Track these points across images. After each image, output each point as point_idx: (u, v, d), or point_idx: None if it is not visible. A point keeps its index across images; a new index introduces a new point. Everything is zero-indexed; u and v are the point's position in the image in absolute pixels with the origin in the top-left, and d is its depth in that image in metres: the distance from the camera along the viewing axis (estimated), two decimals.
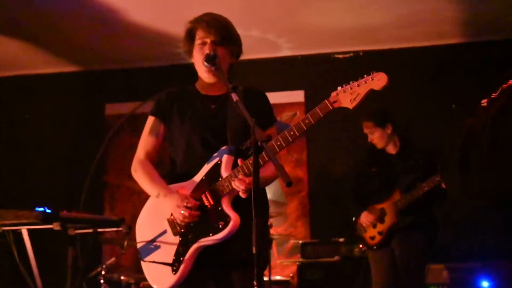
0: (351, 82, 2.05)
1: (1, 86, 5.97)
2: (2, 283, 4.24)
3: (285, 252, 5.26)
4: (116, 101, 5.75)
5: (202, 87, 2.35)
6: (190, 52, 2.33)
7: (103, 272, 4.01)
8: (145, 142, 2.36)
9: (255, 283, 1.78)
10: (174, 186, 2.27)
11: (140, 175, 2.31)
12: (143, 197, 2.37)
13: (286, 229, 5.29)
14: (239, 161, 2.13)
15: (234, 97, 1.99)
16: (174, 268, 2.19)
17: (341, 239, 4.61)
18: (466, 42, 5.31)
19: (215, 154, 2.21)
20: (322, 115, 2.04)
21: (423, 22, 4.98)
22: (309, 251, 4.70)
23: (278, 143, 2.06)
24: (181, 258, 2.18)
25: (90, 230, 3.30)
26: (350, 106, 2.03)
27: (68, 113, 5.83)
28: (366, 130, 3.98)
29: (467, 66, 5.19)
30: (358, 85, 2.03)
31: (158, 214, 2.27)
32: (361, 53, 5.47)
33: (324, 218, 5.22)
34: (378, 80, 2.00)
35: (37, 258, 3.23)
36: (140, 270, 2.33)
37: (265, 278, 4.20)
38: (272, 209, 4.41)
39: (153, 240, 2.26)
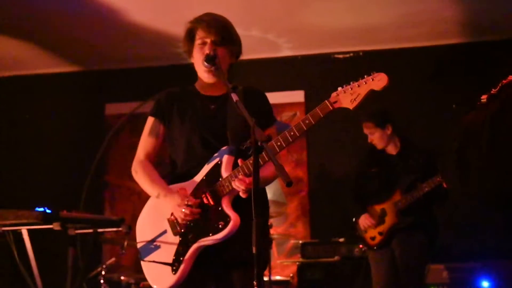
0: (351, 83, 2.05)
1: (1, 86, 5.98)
2: (2, 283, 4.23)
3: (285, 252, 5.26)
4: (116, 101, 5.76)
5: (201, 87, 2.35)
6: (190, 52, 2.33)
7: (103, 272, 4.01)
8: (145, 143, 2.36)
9: (255, 283, 1.78)
10: (174, 186, 2.27)
11: (141, 176, 2.32)
12: (143, 197, 2.37)
13: (286, 229, 5.29)
14: (239, 161, 2.13)
15: (234, 97, 1.99)
16: (174, 268, 2.19)
17: (341, 239, 4.61)
18: (466, 42, 5.31)
19: (216, 155, 2.22)
20: (322, 116, 2.04)
21: (424, 22, 4.98)
22: (309, 251, 4.70)
23: (278, 143, 2.07)
24: (181, 258, 2.18)
25: (90, 230, 3.30)
26: (351, 106, 2.04)
27: (68, 113, 5.83)
28: (366, 131, 3.98)
29: (467, 66, 5.20)
30: (359, 86, 2.03)
31: (158, 214, 2.27)
32: (361, 53, 5.47)
33: (324, 218, 5.22)
34: (378, 81, 2.01)
35: (37, 258, 3.23)
36: (140, 270, 2.33)
37: (265, 278, 4.19)
38: (272, 209, 4.41)
39: (153, 240, 2.26)
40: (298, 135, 2.05)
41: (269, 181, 2.25)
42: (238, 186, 2.09)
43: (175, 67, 5.54)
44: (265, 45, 5.34)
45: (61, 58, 5.65)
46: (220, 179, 2.17)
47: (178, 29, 2.40)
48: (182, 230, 2.20)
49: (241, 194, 2.11)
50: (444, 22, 4.99)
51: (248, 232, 1.80)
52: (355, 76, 2.08)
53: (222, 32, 2.26)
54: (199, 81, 2.36)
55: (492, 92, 2.60)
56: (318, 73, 5.47)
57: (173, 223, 2.23)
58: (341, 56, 5.52)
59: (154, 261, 2.22)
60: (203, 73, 2.28)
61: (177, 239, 2.21)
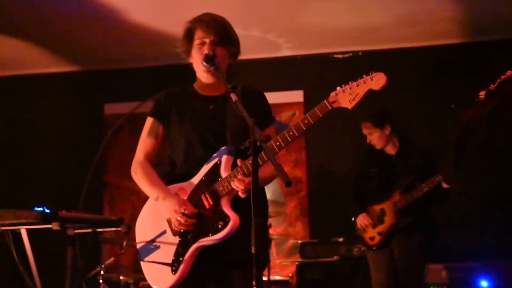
0: (350, 82, 2.05)
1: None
2: (1, 283, 4.23)
3: (284, 252, 5.26)
4: (115, 101, 5.76)
5: (200, 88, 2.35)
6: (188, 52, 2.33)
7: (102, 272, 4.01)
8: (144, 144, 2.36)
9: (254, 283, 1.78)
10: (173, 187, 2.27)
11: (140, 177, 2.31)
12: (143, 197, 2.37)
13: (285, 229, 5.30)
14: (238, 161, 2.13)
15: (233, 97, 1.99)
16: (174, 268, 2.19)
17: (340, 239, 4.61)
18: (466, 42, 5.31)
19: (215, 155, 2.22)
20: (321, 116, 2.04)
21: (423, 22, 4.98)
22: (308, 251, 4.70)
23: (277, 144, 2.07)
24: (181, 258, 2.18)
25: (89, 230, 3.30)
26: (349, 106, 2.04)
27: (67, 113, 5.83)
28: (365, 131, 3.98)
29: (466, 66, 5.20)
30: (357, 85, 2.03)
31: (158, 215, 2.27)
32: (360, 53, 5.47)
33: (323, 218, 5.22)
34: (377, 80, 2.01)
35: (36, 258, 3.23)
36: (139, 270, 2.33)
37: (264, 278, 4.20)
38: (271, 209, 4.40)
39: (153, 240, 2.26)
40: (297, 135, 2.05)
41: (268, 181, 2.24)
42: (237, 186, 2.09)
43: (174, 67, 5.52)
44: (265, 45, 5.34)
45: (60, 58, 5.65)
46: (219, 179, 2.17)
47: (177, 29, 2.40)
48: (182, 231, 2.21)
49: (240, 194, 2.11)
50: (443, 22, 4.99)
51: (247, 232, 1.80)
52: (354, 76, 2.07)
53: (221, 32, 2.26)
54: (197, 81, 2.36)
55: (490, 88, 2.60)
56: (317, 73, 5.47)
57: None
58: (340, 56, 5.52)
59: (153, 262, 2.22)
60: (202, 73, 2.28)
61: (176, 239, 2.21)
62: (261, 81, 4.93)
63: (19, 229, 3.16)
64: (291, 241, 5.19)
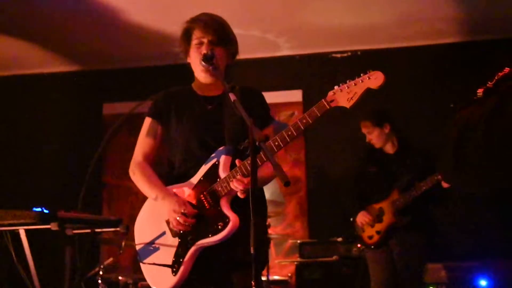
0: (348, 81, 2.06)
1: None
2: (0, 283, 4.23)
3: (283, 252, 5.26)
4: (114, 100, 5.75)
5: (198, 88, 2.35)
6: (186, 52, 2.34)
7: (101, 273, 4.01)
8: (143, 144, 2.36)
9: (253, 283, 1.78)
10: (172, 187, 2.27)
11: (138, 178, 2.31)
12: (141, 197, 2.37)
13: (284, 229, 5.30)
14: (237, 161, 2.13)
15: (232, 97, 1.99)
16: (174, 269, 2.19)
17: (339, 239, 4.61)
18: (465, 41, 5.31)
19: (213, 155, 2.22)
20: (319, 115, 2.04)
21: (422, 21, 4.98)
22: (307, 251, 4.70)
23: (276, 143, 2.07)
24: (181, 260, 2.18)
25: (88, 230, 3.30)
26: (347, 105, 2.04)
27: (66, 113, 5.82)
28: (364, 130, 3.98)
29: (466, 65, 5.20)
30: (355, 84, 2.03)
31: (157, 216, 2.27)
32: (359, 53, 5.48)
33: (322, 218, 5.22)
34: (374, 79, 2.01)
35: (34, 259, 3.23)
36: (138, 270, 2.33)
37: (263, 278, 4.20)
38: (270, 209, 4.38)
39: (152, 242, 2.26)
40: (295, 134, 2.05)
41: (267, 181, 2.25)
42: (237, 186, 2.09)
43: (172, 67, 5.51)
44: (264, 44, 5.35)
45: (58, 58, 5.64)
46: (218, 179, 2.17)
47: (176, 29, 2.40)
48: (181, 232, 2.20)
49: (239, 194, 2.11)
50: (442, 21, 5.00)
51: (247, 233, 1.80)
52: (353, 75, 2.08)
53: (219, 32, 2.26)
54: (196, 81, 2.37)
55: (488, 85, 2.60)
56: (316, 72, 5.47)
57: None
58: (339, 55, 5.53)
59: (154, 263, 2.22)
60: (201, 73, 2.28)
61: (176, 240, 2.21)
62: (259, 81, 4.93)
63: (17, 229, 3.17)
64: (290, 241, 5.19)
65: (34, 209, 2.93)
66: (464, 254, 4.71)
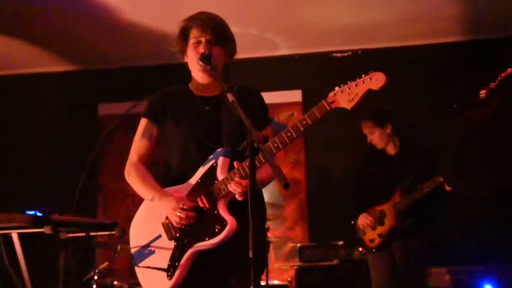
0: (348, 82, 2.06)
1: None
2: None
3: (282, 256, 5.26)
4: (110, 101, 5.75)
5: (196, 88, 2.36)
6: (184, 52, 2.34)
7: (95, 277, 4.01)
8: (138, 145, 2.36)
9: (251, 287, 1.78)
10: (168, 189, 2.27)
11: (134, 179, 2.32)
12: (137, 200, 2.37)
13: (283, 232, 5.30)
14: (235, 163, 2.14)
15: (230, 97, 1.99)
16: (169, 273, 2.18)
17: (340, 242, 4.62)
18: (468, 40, 5.32)
19: (211, 157, 2.21)
20: (319, 116, 2.05)
21: (424, 20, 4.99)
22: (308, 254, 4.70)
23: (275, 145, 2.07)
24: (177, 263, 2.18)
25: (83, 234, 3.29)
26: (348, 106, 2.04)
27: (60, 113, 5.82)
28: (365, 130, 3.99)
29: (468, 64, 5.21)
30: (356, 85, 2.04)
31: (153, 218, 2.27)
32: (359, 52, 5.48)
33: (322, 221, 5.22)
34: (376, 80, 2.02)
35: (27, 263, 3.22)
36: (133, 275, 2.33)
37: (263, 283, 4.20)
38: (269, 212, 4.38)
39: (148, 245, 2.26)
40: (295, 136, 2.06)
41: (266, 183, 2.25)
42: (235, 189, 2.09)
43: (169, 66, 5.52)
44: (262, 43, 5.35)
45: (53, 57, 5.64)
46: (216, 181, 2.17)
47: (173, 28, 2.40)
48: (177, 235, 2.20)
49: (237, 197, 2.11)
50: (444, 20, 5.00)
51: (245, 236, 1.80)
52: (353, 75, 2.08)
53: (217, 31, 2.26)
54: (193, 81, 2.37)
55: (491, 86, 2.61)
56: (315, 72, 5.48)
57: (167, 227, 2.23)
58: (339, 54, 5.53)
59: (148, 267, 2.21)
60: (198, 73, 2.28)
61: (172, 243, 2.21)
62: (258, 81, 4.93)
63: (10, 233, 3.16)
64: (289, 245, 5.19)
65: (27, 212, 2.92)
66: (468, 258, 4.71)
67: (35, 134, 5.78)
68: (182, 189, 2.24)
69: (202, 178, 2.21)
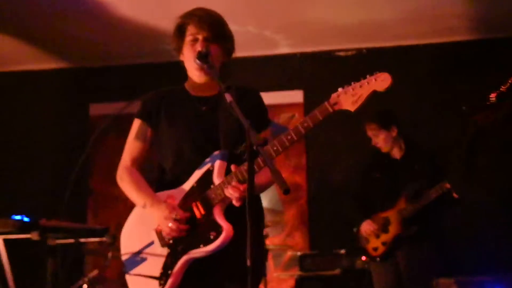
0: (352, 83, 2.06)
1: None
2: None
3: (282, 265, 5.26)
4: (101, 100, 5.74)
5: (192, 88, 2.35)
6: (179, 50, 2.34)
7: (85, 286, 4.00)
8: (132, 147, 2.35)
9: None
10: (162, 194, 2.27)
11: (126, 184, 2.31)
12: (130, 205, 2.36)
13: (283, 240, 5.30)
14: (232, 167, 2.13)
15: (228, 97, 1.99)
16: (162, 282, 2.18)
17: (343, 251, 4.61)
18: (478, 39, 5.33)
19: (207, 160, 2.21)
20: (321, 119, 2.05)
21: (432, 18, 5.00)
22: (308, 263, 4.70)
23: (275, 148, 2.07)
24: (169, 271, 2.18)
25: (72, 240, 3.29)
26: (352, 108, 2.04)
27: (49, 113, 5.82)
28: (369, 133, 3.99)
29: (478, 64, 5.22)
30: (360, 86, 2.04)
31: (145, 224, 2.26)
32: (364, 51, 5.49)
33: (324, 228, 5.22)
34: (381, 81, 2.02)
35: (13, 270, 3.22)
36: (125, 284, 2.32)
37: None
38: (268, 218, 4.40)
39: (139, 252, 2.25)
40: (295, 139, 2.06)
41: (264, 188, 2.25)
42: (232, 193, 2.09)
43: (164, 64, 5.53)
44: (262, 41, 5.35)
45: (41, 54, 5.64)
46: (212, 186, 2.17)
47: (168, 24, 2.40)
48: (171, 241, 2.20)
49: (234, 202, 2.11)
50: (454, 18, 5.01)
51: (242, 243, 1.80)
52: (358, 75, 2.09)
53: (215, 28, 2.26)
54: (189, 81, 2.37)
55: (501, 89, 2.62)
56: (318, 71, 5.48)
57: (160, 233, 2.23)
58: (343, 53, 5.54)
59: (140, 275, 2.21)
60: (195, 71, 2.28)
61: (165, 250, 2.21)
62: (257, 80, 4.94)
63: None
64: (289, 253, 5.19)
65: (14, 217, 2.92)
66: (477, 268, 4.71)
67: (22, 134, 5.77)
68: (176, 193, 2.24)
69: (197, 182, 2.21)
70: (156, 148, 2.36)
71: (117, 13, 4.84)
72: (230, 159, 2.19)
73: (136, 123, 2.36)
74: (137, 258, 2.26)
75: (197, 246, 2.15)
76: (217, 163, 2.19)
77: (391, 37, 5.33)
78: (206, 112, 2.29)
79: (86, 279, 4.02)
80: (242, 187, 2.07)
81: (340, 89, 2.07)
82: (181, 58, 2.35)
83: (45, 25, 5.07)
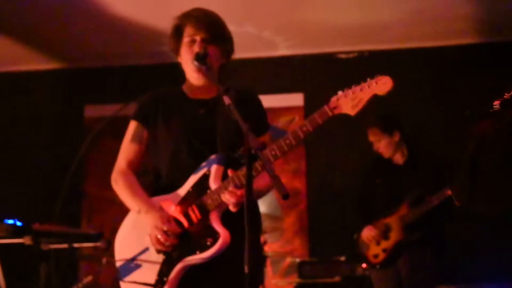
0: (352, 86, 2.06)
1: None
2: None
3: (280, 272, 5.25)
4: (97, 102, 5.75)
5: (189, 90, 2.36)
6: (177, 51, 2.34)
7: None
8: (127, 150, 2.35)
9: None
10: (157, 199, 2.26)
11: (121, 188, 2.31)
12: (125, 209, 2.36)
13: (282, 246, 5.29)
14: (229, 171, 2.13)
15: (226, 100, 1.99)
16: None
17: (342, 258, 4.61)
18: (482, 42, 5.34)
19: (203, 164, 2.21)
20: (321, 122, 2.04)
21: (435, 20, 5.01)
22: (307, 270, 4.70)
23: (273, 153, 2.06)
24: (165, 279, 2.17)
25: (65, 245, 3.29)
26: (352, 112, 2.04)
27: (44, 114, 5.82)
28: (371, 138, 3.99)
29: (482, 68, 5.22)
30: (361, 90, 2.04)
31: (140, 229, 2.26)
32: (366, 53, 5.50)
33: (324, 234, 5.22)
34: (382, 85, 2.01)
35: (6, 276, 3.21)
36: None
37: None
38: (266, 224, 4.40)
39: (134, 258, 2.25)
40: (294, 143, 2.05)
41: (262, 193, 2.25)
42: (228, 199, 2.09)
43: (161, 66, 5.54)
44: (261, 43, 5.36)
45: (35, 55, 5.64)
46: (208, 191, 2.17)
47: (165, 25, 2.41)
48: (160, 250, 2.20)
49: (231, 208, 2.10)
50: (457, 20, 5.02)
51: (239, 250, 1.80)
52: (360, 78, 2.08)
53: (213, 29, 2.27)
54: (187, 83, 2.37)
55: (506, 96, 2.62)
56: (318, 74, 5.49)
57: None
58: (344, 56, 5.55)
59: (135, 282, 2.20)
60: (192, 73, 2.28)
61: (160, 257, 2.20)
62: (256, 83, 4.95)
63: None
64: (288, 260, 5.18)
65: (6, 221, 2.92)
66: (480, 276, 4.71)
67: (15, 136, 5.77)
68: (172, 198, 2.23)
69: (193, 187, 2.21)
70: (151, 151, 2.36)
71: (113, 13, 4.84)
72: (227, 163, 2.18)
73: (132, 125, 2.35)
74: (132, 264, 2.25)
75: (193, 253, 2.14)
76: (214, 167, 2.18)
77: (394, 39, 5.34)
78: (203, 115, 2.29)
79: (80, 285, 4.01)
80: (239, 192, 2.07)
81: (340, 92, 2.07)
82: (179, 59, 2.36)
83: (40, 25, 5.07)
